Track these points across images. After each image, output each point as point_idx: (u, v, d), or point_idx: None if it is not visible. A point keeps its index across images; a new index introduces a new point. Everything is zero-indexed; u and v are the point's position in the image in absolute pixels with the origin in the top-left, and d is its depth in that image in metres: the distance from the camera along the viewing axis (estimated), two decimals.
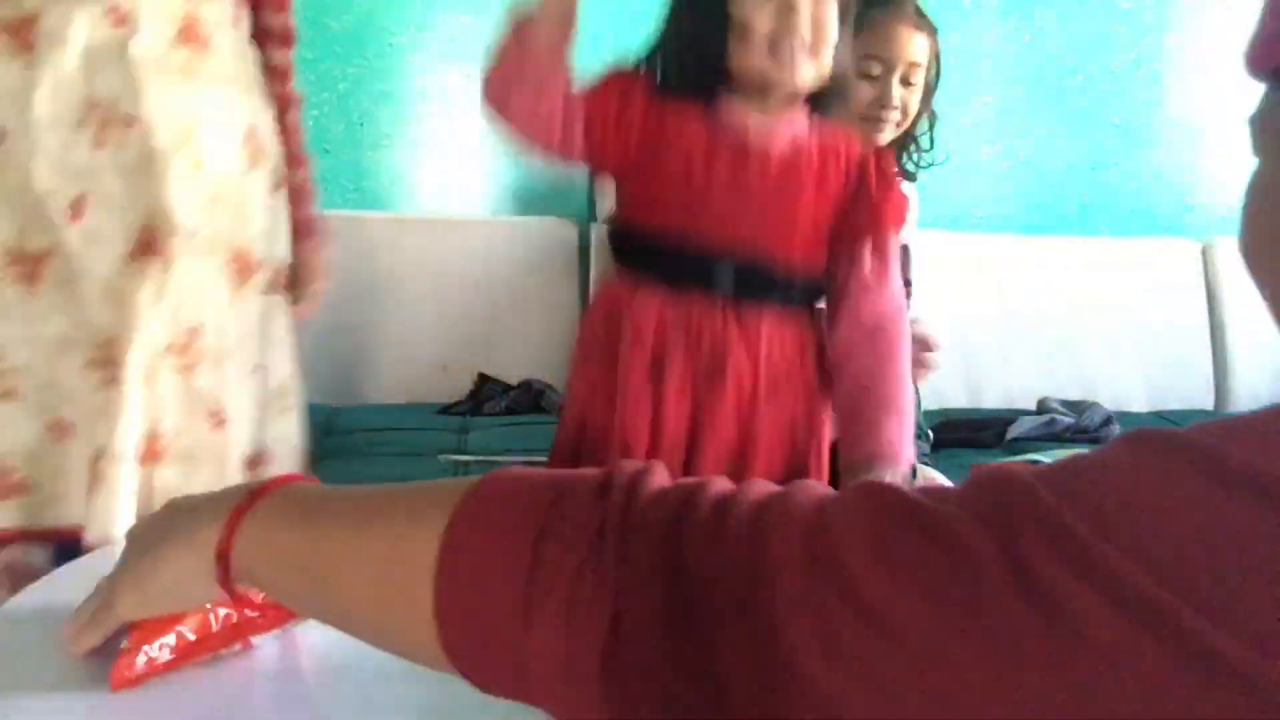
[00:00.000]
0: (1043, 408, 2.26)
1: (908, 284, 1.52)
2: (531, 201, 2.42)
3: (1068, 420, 2.16)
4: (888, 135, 1.42)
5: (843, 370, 1.12)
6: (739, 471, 1.10)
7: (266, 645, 0.70)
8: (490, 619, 0.42)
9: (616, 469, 0.44)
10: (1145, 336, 2.46)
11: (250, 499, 0.53)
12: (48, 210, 0.85)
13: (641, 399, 1.08)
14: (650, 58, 1.12)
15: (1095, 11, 2.59)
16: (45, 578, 0.81)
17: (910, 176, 1.51)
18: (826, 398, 1.14)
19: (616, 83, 1.09)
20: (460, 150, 2.41)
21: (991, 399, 2.36)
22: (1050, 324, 2.42)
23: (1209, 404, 2.49)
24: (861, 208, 1.13)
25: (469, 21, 2.30)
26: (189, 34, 0.88)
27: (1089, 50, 2.59)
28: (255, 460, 1.02)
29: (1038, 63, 2.58)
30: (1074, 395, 2.33)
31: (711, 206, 1.08)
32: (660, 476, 0.44)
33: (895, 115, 1.41)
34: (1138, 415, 2.35)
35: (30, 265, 0.85)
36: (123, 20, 0.84)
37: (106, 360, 0.88)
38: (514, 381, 2.20)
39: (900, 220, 1.17)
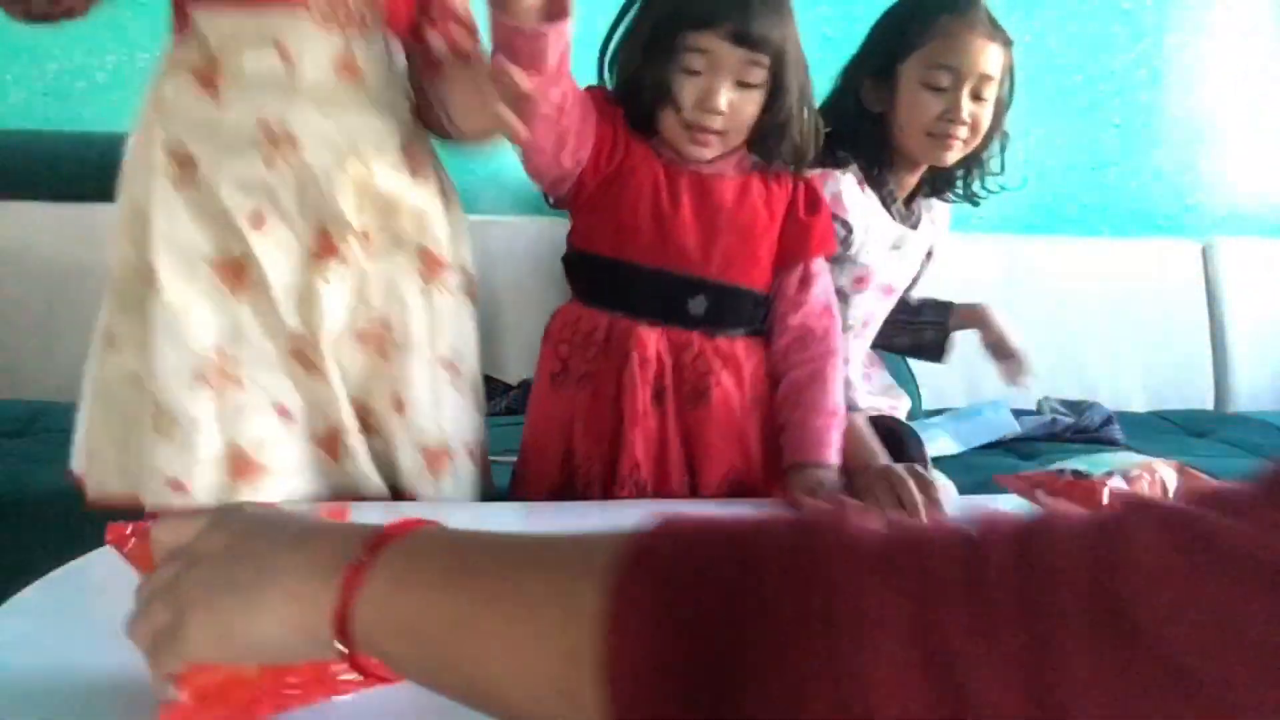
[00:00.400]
0: (1043, 408, 2.26)
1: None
2: (531, 201, 2.41)
3: (1068, 420, 2.16)
4: (955, 153, 1.31)
5: (778, 379, 1.18)
6: (741, 490, 1.16)
7: None
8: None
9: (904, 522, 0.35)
10: (1145, 336, 2.46)
11: (370, 553, 0.45)
12: (235, 223, 0.98)
13: (648, 426, 1.11)
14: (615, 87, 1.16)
15: (1095, 11, 2.58)
16: (40, 581, 0.81)
17: (974, 201, 1.43)
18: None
19: (606, 98, 1.13)
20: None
21: (991, 398, 2.36)
22: (1050, 324, 2.42)
23: (1209, 404, 2.49)
24: (791, 234, 1.18)
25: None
26: (347, 66, 1.01)
27: (1089, 50, 2.59)
28: (435, 455, 1.08)
29: (1038, 63, 2.58)
30: (1074, 395, 2.33)
31: (682, 237, 1.11)
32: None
33: (964, 131, 1.29)
34: (1138, 415, 2.35)
35: (230, 271, 0.99)
36: (287, 56, 0.98)
37: (302, 354, 1.01)
38: (514, 381, 2.20)
39: (826, 246, 1.21)
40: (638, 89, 1.11)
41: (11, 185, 2.10)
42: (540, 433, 1.17)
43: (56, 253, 2.09)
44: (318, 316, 1.00)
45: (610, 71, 1.15)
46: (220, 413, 0.98)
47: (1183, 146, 2.65)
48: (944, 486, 1.41)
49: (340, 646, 0.44)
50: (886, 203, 1.35)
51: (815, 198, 1.20)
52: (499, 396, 2.17)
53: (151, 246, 0.98)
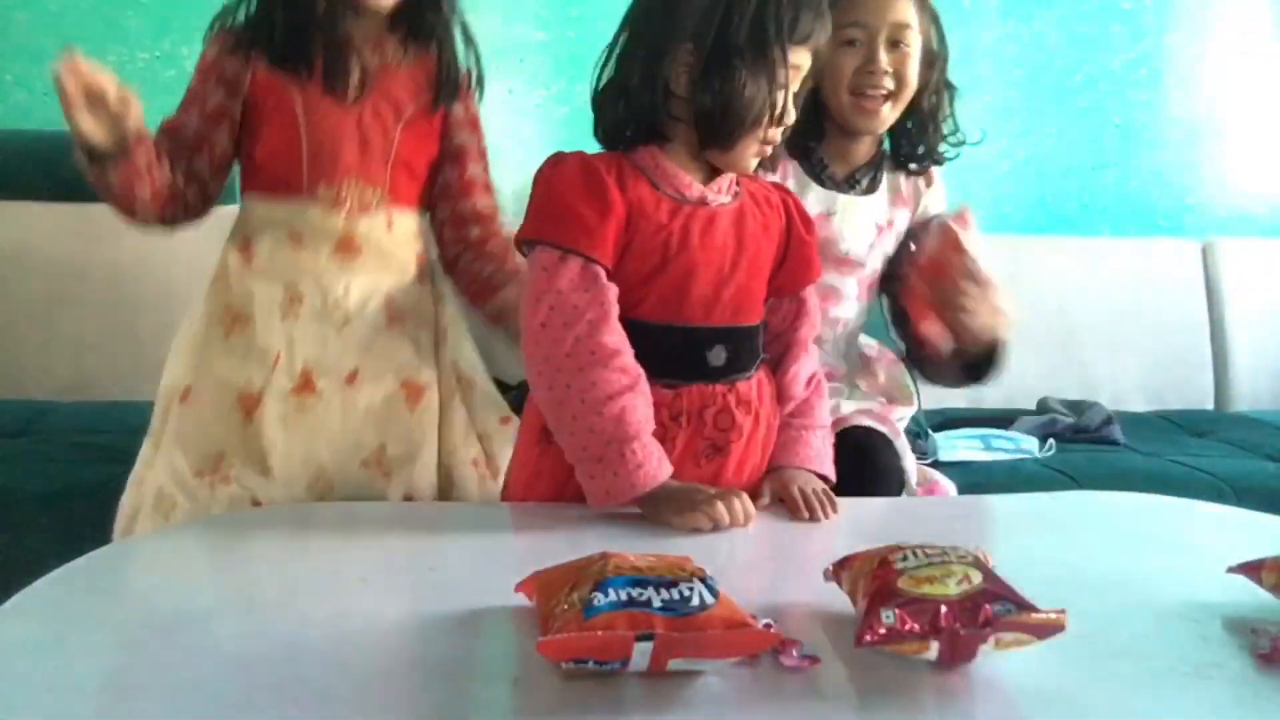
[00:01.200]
0: (1043, 408, 2.26)
1: None
2: None
3: (1068, 420, 2.16)
4: (885, 113, 1.32)
5: (786, 399, 1.15)
6: None
7: (263, 645, 0.70)
8: None
9: None
10: (1145, 336, 2.46)
11: None
12: (262, 364, 1.22)
13: None
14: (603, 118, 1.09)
15: (1095, 11, 2.58)
16: (40, 581, 0.81)
17: (937, 160, 1.42)
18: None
19: (604, 167, 1.04)
20: None
21: (991, 399, 2.35)
22: (1050, 324, 2.42)
23: (1209, 404, 2.49)
24: (795, 253, 1.14)
25: (468, 22, 2.28)
26: (345, 245, 1.25)
27: (1089, 50, 2.59)
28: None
29: (1038, 63, 2.58)
30: (1074, 395, 2.33)
31: (695, 291, 1.05)
32: None
33: (888, 82, 1.30)
34: (1138, 415, 2.34)
35: (250, 400, 1.22)
36: (299, 240, 1.25)
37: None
38: (514, 382, 2.20)
39: (819, 263, 1.19)
40: (645, 101, 1.04)
41: (11, 185, 2.10)
42: (529, 489, 1.11)
43: (56, 253, 2.09)
44: (276, 439, 1.21)
45: (660, 94, 1.04)
46: (207, 503, 1.18)
47: (1183, 146, 2.65)
48: (944, 486, 1.42)
49: None
50: (816, 172, 1.37)
51: (806, 214, 1.18)
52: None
53: (197, 373, 1.24)
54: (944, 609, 0.66)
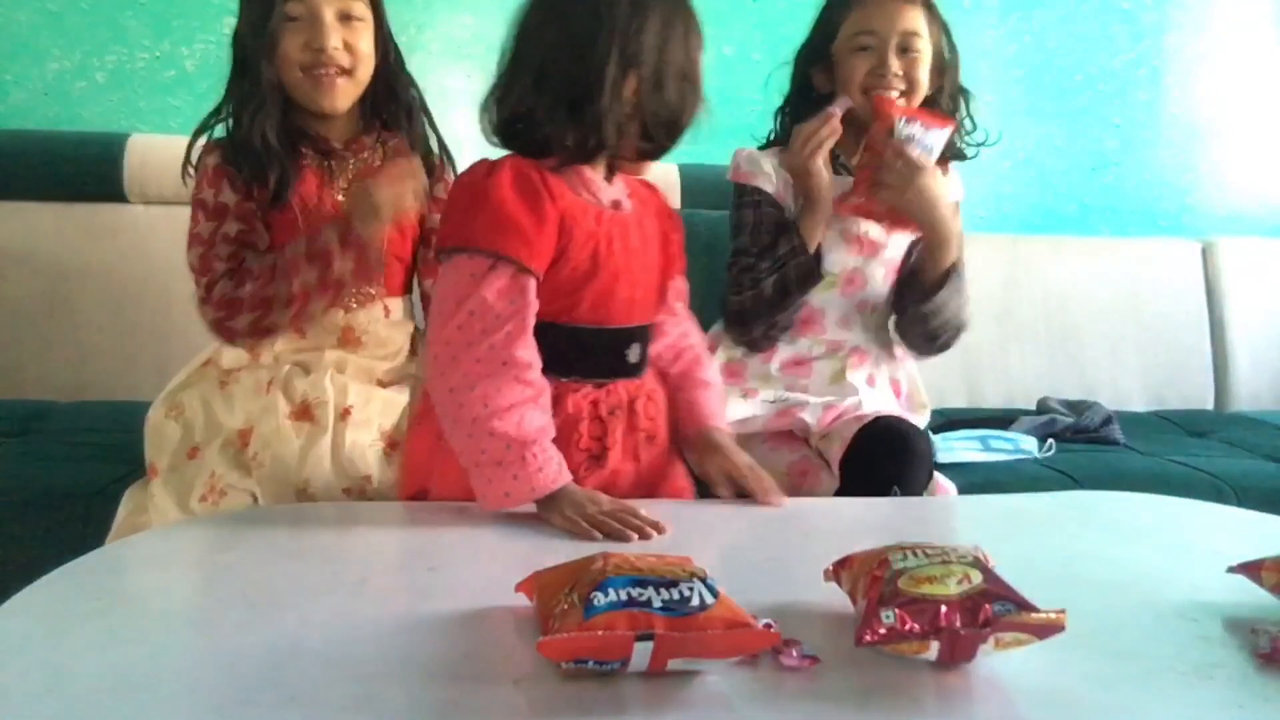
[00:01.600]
0: (1043, 408, 2.26)
1: None
2: None
3: (1068, 420, 2.16)
4: (901, 104, 1.41)
5: (670, 373, 1.23)
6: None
7: (263, 646, 0.70)
8: None
9: None
10: (1145, 336, 2.46)
11: None
12: (259, 402, 1.31)
13: (586, 484, 1.07)
14: (521, 128, 1.09)
15: (1095, 11, 2.58)
16: (40, 580, 0.81)
17: (955, 156, 1.51)
18: None
19: (531, 172, 1.06)
20: (460, 150, 2.40)
21: (992, 399, 2.36)
22: (1050, 324, 2.42)
23: (1209, 404, 2.49)
24: (667, 252, 1.21)
25: (469, 21, 2.29)
26: (346, 338, 1.36)
27: (1089, 50, 2.59)
28: None
29: (1038, 63, 2.58)
30: (1074, 395, 2.33)
31: (621, 293, 1.11)
32: None
33: (899, 84, 1.40)
34: (1138, 415, 2.34)
35: (241, 440, 1.30)
36: (302, 335, 1.35)
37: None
38: None
39: (683, 253, 1.25)
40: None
41: (11, 185, 2.10)
42: (432, 480, 1.13)
43: (56, 253, 2.09)
44: (299, 462, 1.26)
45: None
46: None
47: (1183, 146, 2.65)
48: (944, 486, 1.42)
49: None
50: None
51: (670, 208, 1.25)
52: None
53: (196, 431, 1.33)
54: (944, 609, 0.66)
